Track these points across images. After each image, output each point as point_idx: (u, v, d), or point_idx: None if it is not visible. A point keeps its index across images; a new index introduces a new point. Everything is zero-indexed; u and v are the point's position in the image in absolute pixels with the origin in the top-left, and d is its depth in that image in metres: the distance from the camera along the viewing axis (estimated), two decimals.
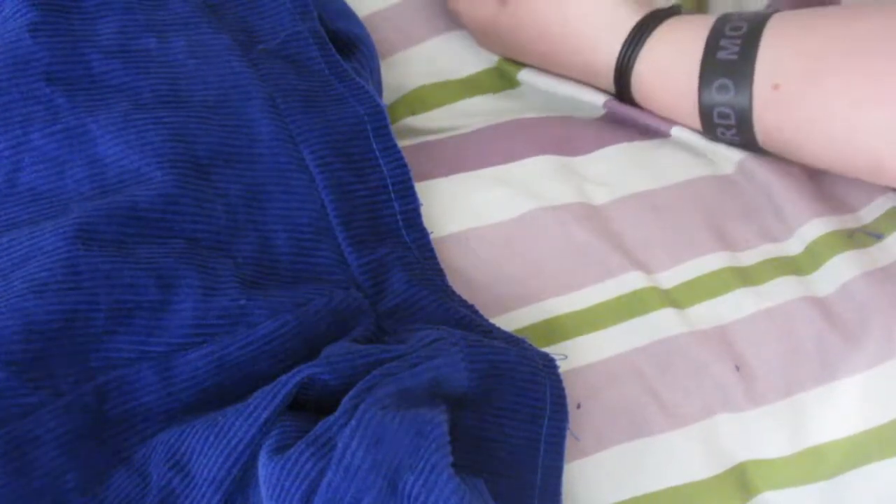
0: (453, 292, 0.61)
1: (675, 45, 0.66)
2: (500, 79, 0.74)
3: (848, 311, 0.62)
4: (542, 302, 0.62)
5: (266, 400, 0.53)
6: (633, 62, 0.67)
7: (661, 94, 0.68)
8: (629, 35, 0.67)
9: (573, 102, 0.72)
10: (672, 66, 0.66)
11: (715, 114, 0.65)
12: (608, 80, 0.69)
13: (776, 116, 0.63)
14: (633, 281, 0.63)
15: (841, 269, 0.63)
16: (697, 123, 0.66)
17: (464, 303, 0.61)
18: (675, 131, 0.68)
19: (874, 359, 0.60)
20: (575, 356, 0.60)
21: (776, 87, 0.63)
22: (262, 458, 0.51)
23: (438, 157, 0.68)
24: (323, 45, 0.67)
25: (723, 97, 0.64)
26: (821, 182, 0.68)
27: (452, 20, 0.76)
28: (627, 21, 0.68)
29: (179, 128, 0.61)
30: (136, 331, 0.55)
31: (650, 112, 0.70)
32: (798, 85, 0.62)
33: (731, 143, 0.67)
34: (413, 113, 0.74)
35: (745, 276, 0.63)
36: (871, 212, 0.66)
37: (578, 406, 0.59)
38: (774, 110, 0.63)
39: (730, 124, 0.65)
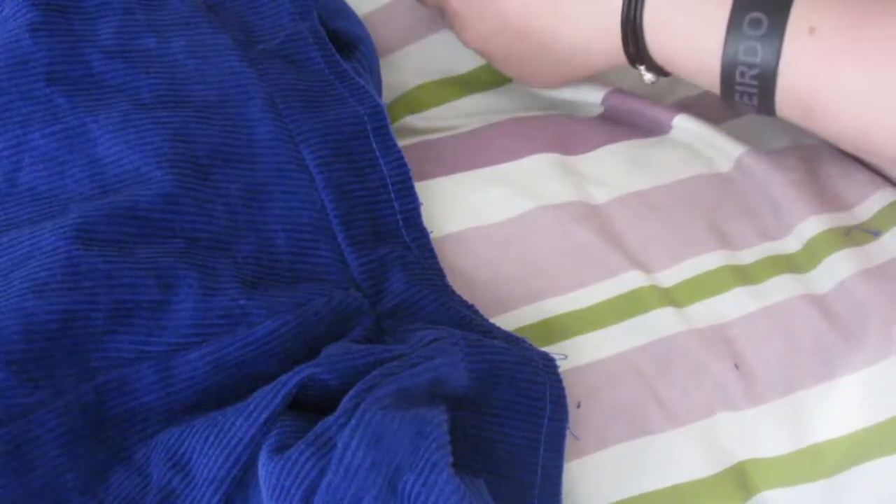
0: (453, 292, 0.61)
1: None
2: (499, 73, 0.74)
3: (846, 309, 0.62)
4: (542, 301, 0.62)
5: (266, 400, 0.53)
6: (641, 13, 0.63)
7: (681, 35, 0.63)
8: None
9: (570, 99, 0.72)
10: (693, 7, 0.62)
11: (741, 49, 0.60)
12: (615, 45, 0.65)
13: (806, 66, 0.60)
14: (632, 280, 0.63)
15: (839, 267, 0.63)
16: (716, 69, 0.61)
17: (464, 302, 0.61)
18: (678, 121, 0.68)
19: (873, 357, 0.60)
20: (575, 355, 0.60)
21: (812, 30, 0.59)
22: (262, 458, 0.51)
23: (438, 156, 0.68)
24: (323, 44, 0.67)
25: (754, 32, 0.59)
26: (818, 178, 0.68)
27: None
28: None
29: (179, 128, 0.61)
30: (135, 330, 0.55)
31: (650, 103, 0.70)
32: (835, 34, 0.59)
33: (746, 94, 0.61)
34: (412, 112, 0.74)
35: (744, 275, 0.63)
36: (868, 208, 0.66)
37: (578, 405, 0.59)
38: (806, 58, 0.59)
39: (754, 62, 0.60)
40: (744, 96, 0.62)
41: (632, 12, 0.63)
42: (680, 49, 0.63)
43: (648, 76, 0.67)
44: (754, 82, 0.61)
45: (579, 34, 0.66)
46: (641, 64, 0.65)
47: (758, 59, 0.60)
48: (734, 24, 0.60)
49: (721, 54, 0.60)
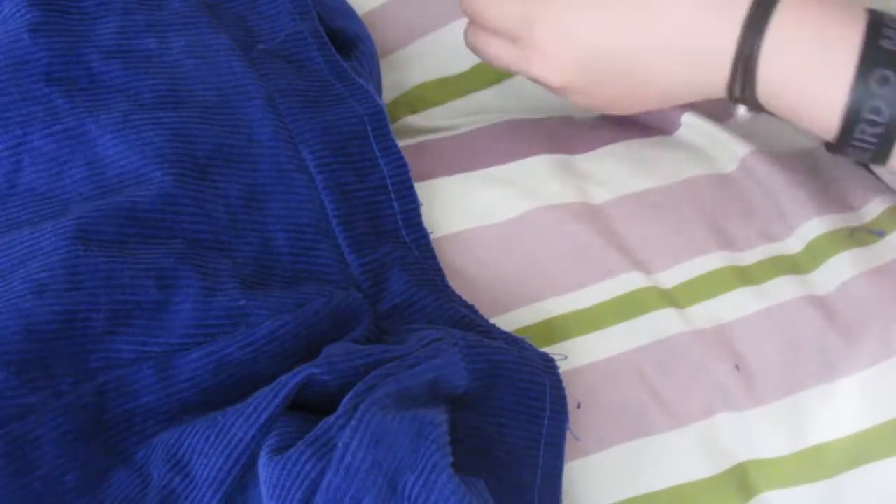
0: (453, 292, 0.61)
1: (815, 29, 0.58)
2: (499, 72, 0.74)
3: (847, 310, 0.62)
4: (542, 302, 0.62)
5: (266, 400, 0.53)
6: (759, 52, 0.59)
7: (800, 81, 0.59)
8: (747, 18, 0.59)
9: None
10: (817, 53, 0.58)
11: (865, 108, 0.57)
12: (717, 83, 0.61)
13: None
14: (633, 281, 0.63)
15: (840, 268, 0.63)
16: (835, 119, 0.58)
17: (463, 303, 0.61)
18: (687, 118, 0.68)
19: (874, 358, 0.60)
20: (575, 356, 0.60)
21: None
22: (263, 459, 0.51)
23: (438, 156, 0.68)
24: (323, 45, 0.67)
25: (882, 90, 0.57)
26: (822, 180, 0.68)
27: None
28: (737, 3, 0.59)
29: (179, 128, 0.61)
30: (135, 331, 0.55)
31: None
32: None
33: (863, 148, 0.59)
34: (413, 111, 0.74)
35: (745, 276, 0.63)
36: (870, 210, 0.66)
37: (578, 406, 0.59)
38: None
39: (876, 121, 0.57)
40: (857, 150, 0.59)
41: (747, 50, 0.59)
42: (795, 94, 0.60)
43: (743, 113, 0.63)
44: (872, 142, 0.58)
45: (681, 69, 0.62)
46: (743, 102, 0.62)
47: (883, 119, 0.57)
48: (860, 80, 0.57)
49: (844, 109, 0.58)
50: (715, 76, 0.60)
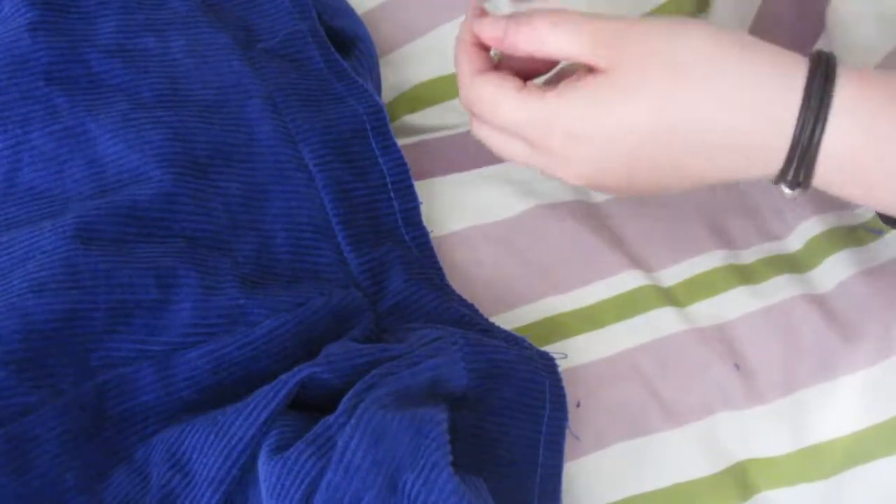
0: (452, 291, 0.61)
1: (884, 109, 0.51)
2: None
3: (846, 309, 0.62)
4: (542, 300, 0.62)
5: (266, 399, 0.53)
6: (821, 138, 0.51)
7: (869, 171, 0.52)
8: (804, 100, 0.51)
9: None
10: (891, 136, 0.51)
11: None
12: (767, 170, 0.53)
13: None
14: (632, 279, 0.63)
15: (839, 267, 0.63)
16: None
17: (463, 301, 0.61)
18: None
19: (873, 356, 0.60)
20: (575, 355, 0.60)
21: None
22: (262, 458, 0.51)
23: (438, 155, 0.68)
24: (322, 44, 0.67)
25: None
26: None
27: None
28: (792, 74, 0.51)
29: (178, 127, 0.61)
30: (135, 330, 0.55)
31: None
32: None
33: None
34: (412, 110, 0.74)
35: (745, 275, 0.63)
36: (869, 208, 0.66)
37: (578, 405, 0.59)
38: None
39: None
40: None
41: (805, 137, 0.51)
42: (863, 183, 0.53)
43: (790, 193, 0.54)
44: None
45: (724, 159, 0.53)
46: (794, 188, 0.54)
47: None
48: None
49: None
50: (766, 164, 0.53)
